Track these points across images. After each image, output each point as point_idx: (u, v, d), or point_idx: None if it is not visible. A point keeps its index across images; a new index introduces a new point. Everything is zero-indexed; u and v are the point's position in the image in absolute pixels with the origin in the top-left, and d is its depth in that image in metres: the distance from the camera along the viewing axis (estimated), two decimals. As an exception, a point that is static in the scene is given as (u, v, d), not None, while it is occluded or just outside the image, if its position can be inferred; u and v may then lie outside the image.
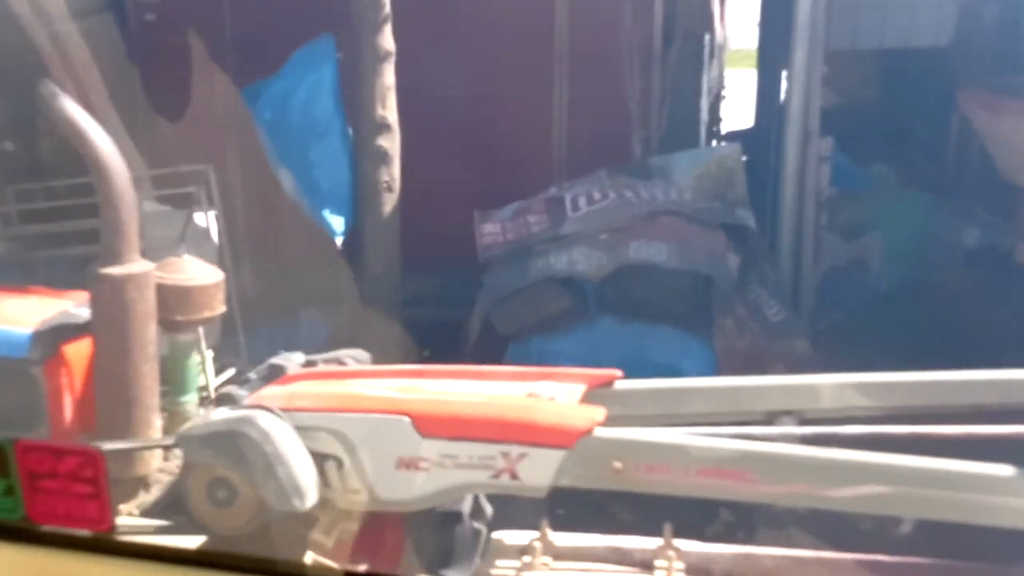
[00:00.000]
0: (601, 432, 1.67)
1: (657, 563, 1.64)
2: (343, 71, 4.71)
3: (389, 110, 4.65)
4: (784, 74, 4.69)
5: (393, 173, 4.71)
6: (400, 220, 4.77)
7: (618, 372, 1.88)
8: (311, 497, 1.55)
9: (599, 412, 1.72)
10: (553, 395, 1.82)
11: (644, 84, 5.07)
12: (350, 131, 4.76)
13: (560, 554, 1.75)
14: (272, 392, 1.87)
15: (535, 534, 1.80)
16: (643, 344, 3.69)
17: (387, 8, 4.56)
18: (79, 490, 0.92)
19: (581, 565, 1.73)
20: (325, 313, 4.96)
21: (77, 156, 4.88)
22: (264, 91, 4.70)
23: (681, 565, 1.64)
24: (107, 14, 5.29)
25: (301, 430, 1.68)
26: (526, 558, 1.73)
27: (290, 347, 2.86)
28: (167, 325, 3.20)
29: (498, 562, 1.76)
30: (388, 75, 4.63)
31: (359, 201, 4.72)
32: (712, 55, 6.49)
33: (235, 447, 1.59)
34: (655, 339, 3.74)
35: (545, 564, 1.72)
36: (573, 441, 1.65)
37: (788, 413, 1.73)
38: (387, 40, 4.60)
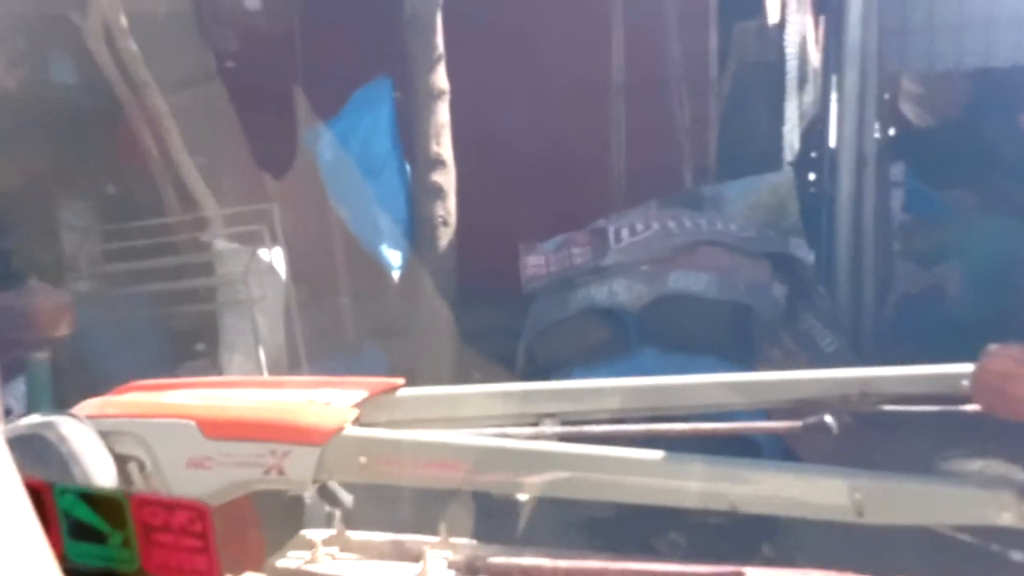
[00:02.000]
0: (349, 431, 1.83)
1: (428, 554, 1.79)
2: (399, 110, 4.88)
3: (444, 147, 4.78)
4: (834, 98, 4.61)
5: (448, 208, 4.83)
6: (456, 254, 4.88)
7: (401, 380, 2.02)
8: None
9: (351, 413, 1.87)
10: (330, 401, 1.94)
11: (699, 114, 5.06)
12: (407, 168, 4.92)
13: (348, 547, 1.89)
14: (92, 401, 2.03)
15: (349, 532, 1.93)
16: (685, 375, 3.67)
17: (440, 49, 4.71)
18: (189, 544, 0.96)
19: (361, 558, 1.88)
20: (385, 345, 5.10)
21: (158, 197, 5.24)
22: (326, 132, 4.91)
23: (449, 555, 1.79)
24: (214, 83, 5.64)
25: (106, 434, 1.83)
26: (316, 551, 1.85)
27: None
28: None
29: (290, 553, 1.88)
30: (442, 113, 4.76)
31: (415, 236, 4.85)
32: (805, 80, 6.41)
33: (33, 449, 1.74)
34: (697, 370, 3.69)
35: (330, 555, 1.86)
36: (326, 439, 1.81)
37: (552, 415, 1.89)
38: (441, 79, 4.74)
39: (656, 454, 1.68)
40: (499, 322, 4.90)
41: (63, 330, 3.75)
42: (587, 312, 3.94)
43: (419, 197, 4.84)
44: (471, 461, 1.76)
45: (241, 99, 5.64)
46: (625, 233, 4.15)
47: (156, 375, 2.52)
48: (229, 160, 5.40)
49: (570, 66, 5.33)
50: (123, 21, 4.68)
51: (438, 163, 4.78)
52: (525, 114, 5.26)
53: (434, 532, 1.84)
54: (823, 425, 1.68)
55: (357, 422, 1.86)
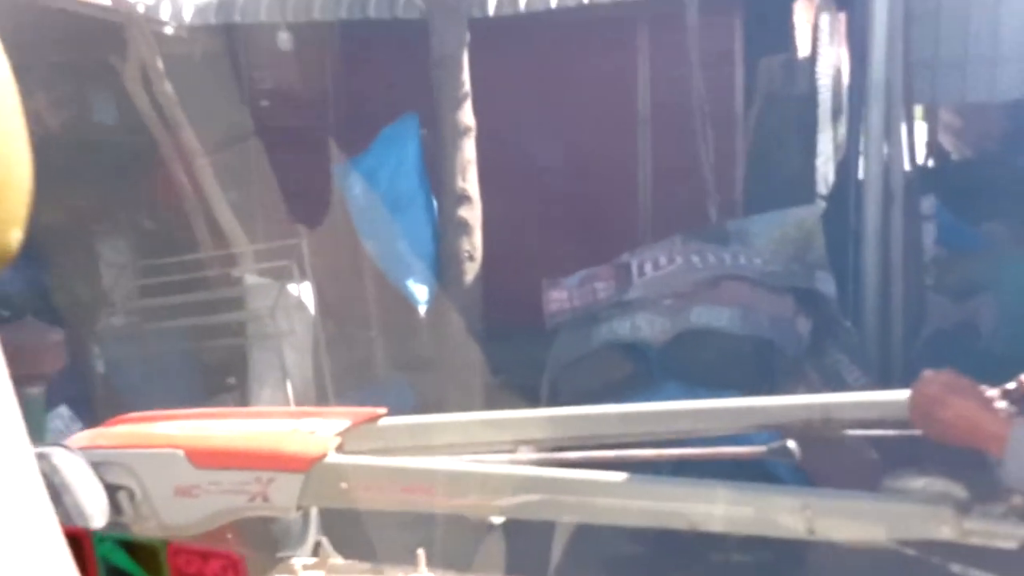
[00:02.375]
0: (331, 458, 1.88)
1: None
2: (427, 147, 4.95)
3: (470, 182, 4.84)
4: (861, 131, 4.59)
5: (474, 243, 4.87)
6: (483, 288, 4.91)
7: (383, 410, 2.05)
8: (98, 521, 1.74)
9: (333, 441, 1.91)
10: (314, 430, 1.98)
11: (725, 148, 5.07)
12: (434, 203, 4.98)
13: (331, 573, 1.92)
14: (84, 433, 2.09)
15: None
16: (708, 410, 3.64)
17: (467, 87, 4.78)
18: None
19: None
20: (412, 379, 5.13)
21: (191, 233, 5.35)
22: (354, 167, 5.00)
23: None
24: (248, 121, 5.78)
25: (97, 465, 1.87)
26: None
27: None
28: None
29: None
30: (469, 149, 4.83)
31: (442, 271, 4.90)
32: (839, 113, 6.38)
33: None
34: (720, 405, 3.67)
35: None
36: (309, 466, 1.86)
37: (527, 442, 1.95)
38: (467, 116, 4.81)
39: (620, 476, 1.74)
40: (525, 356, 4.91)
41: (55, 365, 3.88)
42: (609, 347, 3.94)
43: (445, 232, 4.89)
44: (445, 485, 1.83)
45: (274, 137, 5.77)
46: (648, 267, 4.15)
47: (187, 408, 2.59)
48: (262, 196, 5.51)
49: (596, 102, 5.37)
50: (159, 65, 4.82)
51: (464, 198, 4.84)
52: (551, 150, 5.31)
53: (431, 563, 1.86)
54: (786, 450, 1.73)
55: (340, 450, 1.91)
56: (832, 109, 5.87)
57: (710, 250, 4.26)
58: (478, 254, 4.89)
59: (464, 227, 4.85)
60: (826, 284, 4.32)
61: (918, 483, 1.63)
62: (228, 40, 5.87)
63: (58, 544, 0.57)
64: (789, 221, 4.58)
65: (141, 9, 5.64)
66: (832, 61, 5.72)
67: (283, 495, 1.85)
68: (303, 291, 4.85)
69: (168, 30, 5.65)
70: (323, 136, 5.64)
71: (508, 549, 3.75)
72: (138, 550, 0.97)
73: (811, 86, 5.20)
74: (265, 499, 1.85)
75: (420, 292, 4.90)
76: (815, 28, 5.31)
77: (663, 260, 4.18)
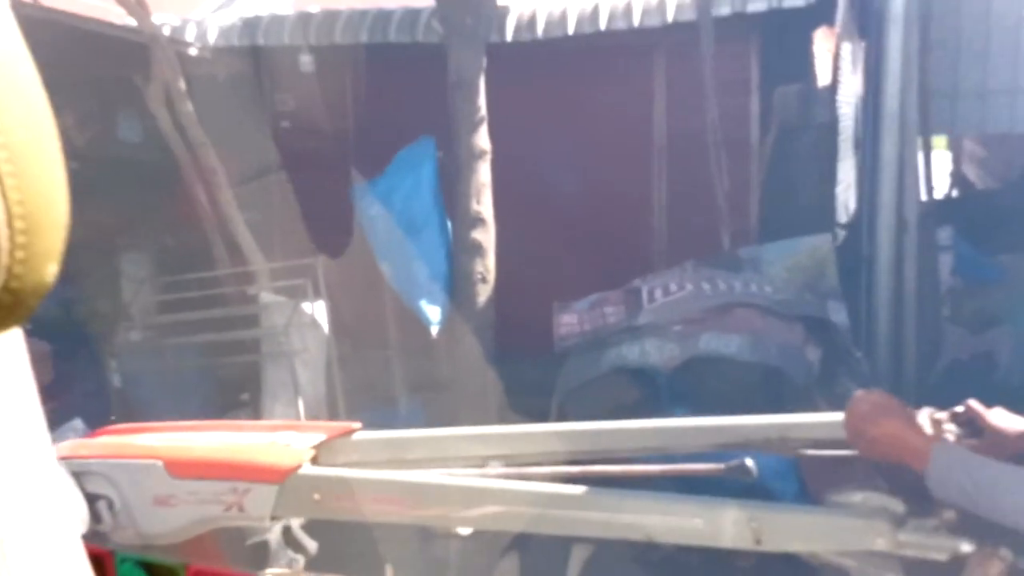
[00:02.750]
0: (305, 470, 1.92)
1: None
2: (442, 170, 5.00)
3: (484, 205, 4.87)
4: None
5: (488, 265, 4.90)
6: (495, 310, 4.94)
7: (357, 424, 2.11)
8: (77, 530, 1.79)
9: (308, 454, 1.96)
10: (289, 442, 2.03)
11: (740, 177, 5.08)
12: (449, 225, 5.02)
13: None
14: (66, 443, 2.13)
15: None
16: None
17: (483, 111, 4.83)
18: None
19: None
20: (424, 399, 5.16)
21: (208, 250, 5.42)
22: (371, 189, 5.05)
23: None
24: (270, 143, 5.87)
25: (78, 474, 1.92)
26: None
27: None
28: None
29: None
30: (483, 173, 4.87)
31: (455, 292, 4.93)
32: (860, 142, 6.35)
33: None
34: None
35: None
36: (284, 477, 1.90)
37: (496, 458, 2.00)
38: (483, 140, 4.86)
39: (580, 489, 1.82)
40: (536, 378, 4.92)
41: (42, 379, 3.90)
42: (618, 371, 3.94)
43: (459, 254, 4.93)
44: (412, 496, 1.89)
45: (295, 158, 5.85)
46: (659, 293, 4.16)
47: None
48: (280, 216, 5.58)
49: (612, 127, 5.41)
50: (181, 85, 4.91)
51: (478, 221, 4.88)
52: (567, 174, 5.34)
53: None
54: (744, 467, 1.80)
55: (315, 462, 1.96)
56: (852, 138, 5.87)
57: (721, 277, 4.27)
58: (491, 276, 4.91)
59: (478, 249, 4.88)
60: (838, 313, 4.31)
61: (857, 498, 1.71)
62: (251, 61, 5.97)
63: (81, 564, 0.58)
64: (802, 250, 4.57)
65: (167, 31, 5.76)
66: (852, 90, 5.71)
67: (258, 505, 1.90)
68: (317, 310, 4.90)
69: (193, 51, 5.76)
70: (343, 157, 5.72)
71: (523, 570, 3.75)
72: (157, 571, 1.00)
73: (829, 115, 5.21)
74: (241, 509, 1.90)
75: (433, 313, 4.93)
76: (836, 56, 5.31)
77: (673, 286, 4.18)
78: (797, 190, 5.25)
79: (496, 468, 1.96)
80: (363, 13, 5.72)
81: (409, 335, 5.12)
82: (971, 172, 7.27)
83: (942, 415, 1.82)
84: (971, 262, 5.58)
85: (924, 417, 1.81)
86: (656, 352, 3.92)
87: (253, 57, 5.98)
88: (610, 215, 5.40)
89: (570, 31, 5.28)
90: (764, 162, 5.03)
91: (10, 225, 0.41)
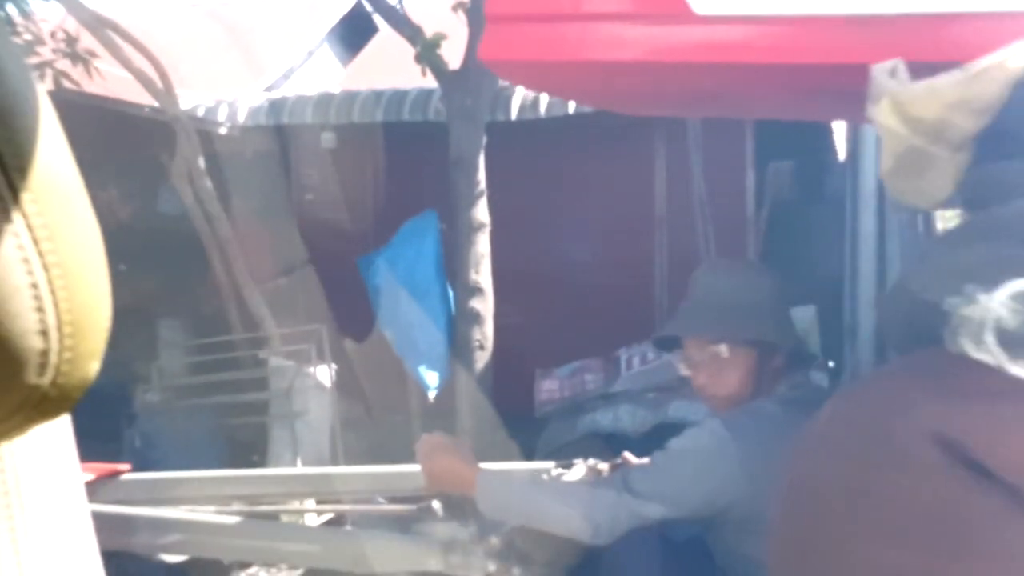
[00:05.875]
0: None
1: None
2: (445, 241, 5.23)
3: (483, 275, 5.07)
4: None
5: (485, 332, 5.08)
6: (493, 377, 5.09)
7: (126, 466, 2.39)
8: None
9: None
10: None
11: (734, 249, 5.19)
12: (450, 294, 5.22)
13: None
14: None
15: None
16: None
17: (482, 186, 5.07)
18: None
19: None
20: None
21: (224, 315, 5.72)
22: (376, 259, 5.30)
23: None
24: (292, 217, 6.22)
25: None
26: None
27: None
28: None
29: None
30: (483, 244, 5.08)
31: (454, 358, 5.11)
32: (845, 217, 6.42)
33: None
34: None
35: None
36: None
37: (243, 498, 2.30)
38: (482, 213, 5.08)
39: (291, 525, 2.21)
40: (525, 442, 5.04)
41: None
42: (591, 436, 4.05)
43: (458, 322, 5.11)
44: (145, 529, 2.13)
45: (316, 228, 6.17)
46: (636, 361, 4.28)
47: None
48: (296, 284, 5.87)
49: (610, 203, 5.59)
50: (200, 163, 5.27)
51: (477, 290, 5.07)
52: (566, 248, 5.53)
53: None
54: (430, 509, 2.02)
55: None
56: (841, 213, 5.95)
57: (699, 346, 4.36)
58: (489, 344, 5.08)
59: (476, 317, 5.06)
60: (819, 382, 4.35)
61: (436, 527, 1.99)
62: (277, 139, 6.35)
63: None
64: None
65: (201, 111, 6.19)
66: (845, 165, 5.81)
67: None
68: (320, 373, 5.12)
69: (223, 130, 6.17)
70: (359, 227, 6.01)
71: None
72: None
73: (821, 190, 5.32)
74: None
75: (431, 378, 5.11)
76: (830, 132, 5.45)
77: (651, 355, 4.29)
78: (789, 263, 5.34)
79: (236, 506, 2.25)
80: (379, 94, 6.07)
81: (411, 399, 5.30)
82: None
83: (604, 466, 2.17)
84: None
85: (582, 467, 2.12)
86: (628, 418, 4.03)
87: (279, 135, 6.37)
88: (606, 285, 5.55)
89: (571, 111, 5.52)
90: (760, 236, 5.15)
91: (60, 330, 0.45)
